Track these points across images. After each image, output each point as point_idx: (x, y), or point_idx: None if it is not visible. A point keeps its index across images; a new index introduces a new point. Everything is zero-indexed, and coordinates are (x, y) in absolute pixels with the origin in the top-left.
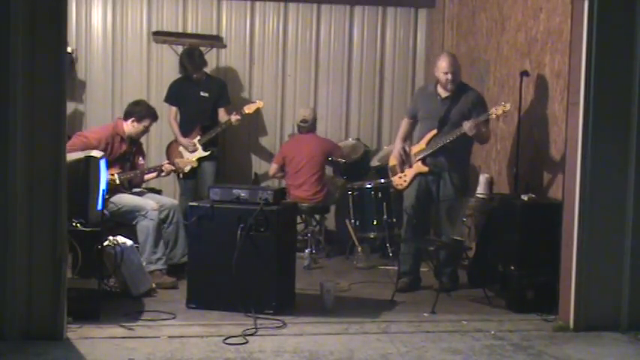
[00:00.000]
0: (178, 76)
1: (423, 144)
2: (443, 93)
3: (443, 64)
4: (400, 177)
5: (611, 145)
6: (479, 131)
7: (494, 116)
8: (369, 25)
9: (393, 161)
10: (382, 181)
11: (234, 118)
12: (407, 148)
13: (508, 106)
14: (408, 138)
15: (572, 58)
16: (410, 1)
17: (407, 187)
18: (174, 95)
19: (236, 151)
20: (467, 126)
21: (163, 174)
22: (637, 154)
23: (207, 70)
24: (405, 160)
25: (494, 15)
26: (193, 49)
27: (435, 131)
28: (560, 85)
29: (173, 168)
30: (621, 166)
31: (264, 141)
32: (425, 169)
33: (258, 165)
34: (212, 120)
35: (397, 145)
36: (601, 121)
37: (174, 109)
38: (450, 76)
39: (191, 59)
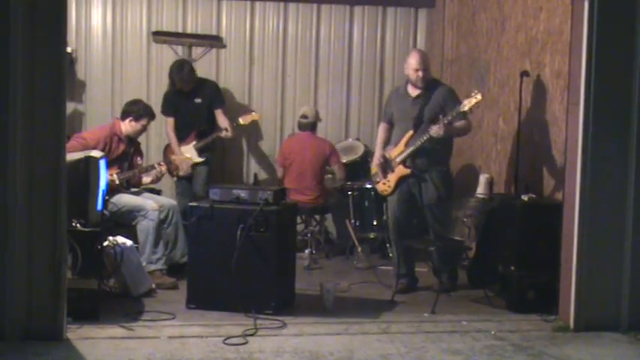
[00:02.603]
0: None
1: (401, 146)
2: (413, 92)
3: (413, 61)
4: (384, 183)
5: (611, 145)
6: (449, 130)
7: (466, 109)
8: (369, 25)
9: (374, 169)
10: None
11: (224, 133)
12: (386, 154)
13: (479, 97)
14: (387, 143)
15: (572, 58)
16: (410, 1)
17: (392, 192)
18: (171, 107)
19: (236, 153)
20: (433, 130)
21: (160, 175)
22: (637, 154)
23: (207, 70)
24: (386, 166)
25: (494, 15)
26: (184, 63)
27: (411, 132)
28: (561, 86)
29: (164, 169)
30: (621, 166)
31: (263, 143)
32: (407, 171)
33: (258, 167)
34: (208, 124)
35: (377, 152)
36: (601, 121)
37: (171, 120)
38: (420, 73)
39: (180, 74)
